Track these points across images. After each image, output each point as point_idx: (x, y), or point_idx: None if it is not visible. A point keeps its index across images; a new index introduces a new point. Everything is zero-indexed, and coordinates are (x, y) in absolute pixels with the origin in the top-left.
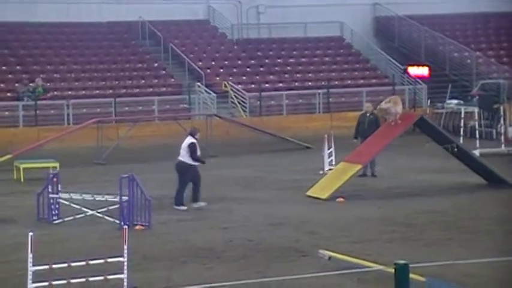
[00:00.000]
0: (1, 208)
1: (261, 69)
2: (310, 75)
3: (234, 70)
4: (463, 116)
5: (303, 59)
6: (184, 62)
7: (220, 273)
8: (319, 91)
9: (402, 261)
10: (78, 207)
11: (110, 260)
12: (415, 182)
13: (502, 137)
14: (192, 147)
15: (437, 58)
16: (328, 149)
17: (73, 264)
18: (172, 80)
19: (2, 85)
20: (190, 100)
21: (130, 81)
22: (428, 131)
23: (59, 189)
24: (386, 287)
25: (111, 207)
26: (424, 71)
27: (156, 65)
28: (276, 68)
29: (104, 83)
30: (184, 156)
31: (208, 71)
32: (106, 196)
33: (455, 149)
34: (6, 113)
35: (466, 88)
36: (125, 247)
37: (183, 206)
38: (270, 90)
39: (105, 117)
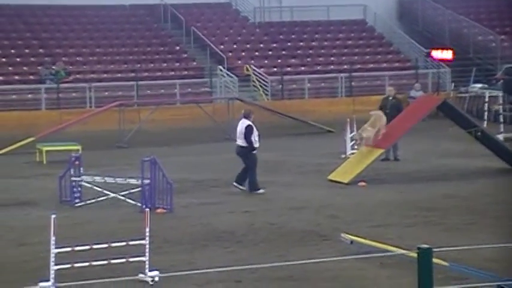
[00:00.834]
0: (24, 190)
1: (283, 52)
2: (332, 58)
3: (256, 53)
4: (487, 100)
5: (326, 43)
6: (206, 45)
7: (242, 257)
8: (342, 75)
9: (425, 246)
10: (100, 190)
11: (131, 242)
12: (438, 166)
13: None
14: (248, 129)
15: (461, 41)
16: (351, 133)
17: (95, 246)
18: (194, 63)
19: (25, 68)
20: (212, 83)
21: (152, 65)
22: (451, 115)
23: (81, 172)
24: (408, 271)
25: (132, 190)
26: (447, 54)
27: (177, 48)
28: (298, 52)
29: (125, 66)
30: (242, 140)
31: (230, 54)
32: (128, 179)
33: (479, 133)
34: (29, 95)
35: (490, 72)
36: (147, 230)
37: (260, 190)
38: (292, 74)
39: (127, 100)
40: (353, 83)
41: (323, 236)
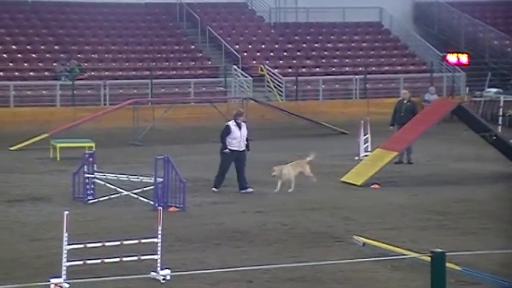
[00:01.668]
0: (37, 186)
1: (298, 53)
2: (347, 60)
3: (271, 54)
4: (501, 104)
5: (341, 44)
6: (221, 44)
7: (254, 257)
8: (356, 77)
9: (439, 250)
10: (113, 187)
11: (144, 240)
12: (452, 170)
13: None
14: (224, 129)
15: (476, 46)
16: (364, 135)
17: (107, 244)
18: (209, 62)
19: (40, 64)
20: (227, 83)
21: (167, 63)
22: (465, 119)
23: (95, 169)
24: (420, 274)
25: (145, 188)
26: (463, 58)
27: (193, 47)
28: (313, 53)
29: (140, 64)
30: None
31: (245, 54)
32: (141, 177)
33: (493, 138)
34: (44, 92)
35: (505, 77)
36: (159, 228)
37: (214, 189)
38: (307, 75)
39: (142, 98)
40: (367, 85)
41: (335, 238)
